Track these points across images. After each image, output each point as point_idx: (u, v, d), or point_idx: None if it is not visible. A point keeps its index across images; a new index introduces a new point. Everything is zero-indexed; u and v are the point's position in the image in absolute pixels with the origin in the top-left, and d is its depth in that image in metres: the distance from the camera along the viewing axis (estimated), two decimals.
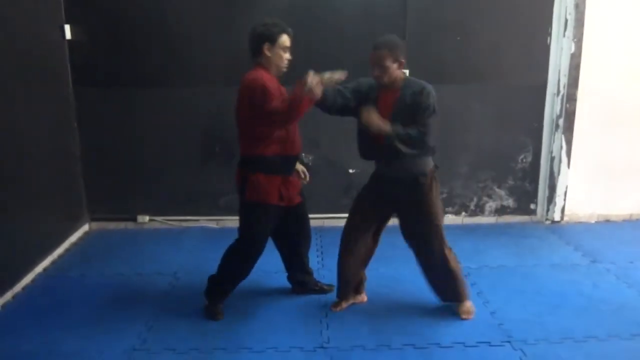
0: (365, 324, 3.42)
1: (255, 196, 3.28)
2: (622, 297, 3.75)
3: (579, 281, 3.99)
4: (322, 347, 3.17)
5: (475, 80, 4.99)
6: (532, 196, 5.30)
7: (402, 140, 3.09)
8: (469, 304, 3.52)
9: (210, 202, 5.10)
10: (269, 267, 3.90)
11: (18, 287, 3.88)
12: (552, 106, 5.09)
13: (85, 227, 5.10)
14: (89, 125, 4.94)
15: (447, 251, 3.40)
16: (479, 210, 5.30)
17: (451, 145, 4.92)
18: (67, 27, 4.71)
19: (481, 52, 4.93)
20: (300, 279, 3.79)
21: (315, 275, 3.87)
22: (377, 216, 3.44)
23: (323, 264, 4.28)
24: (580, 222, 5.26)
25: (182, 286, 3.90)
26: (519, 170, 5.22)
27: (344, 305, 3.60)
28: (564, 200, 5.19)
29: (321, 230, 4.96)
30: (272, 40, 3.24)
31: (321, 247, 4.65)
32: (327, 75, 3.05)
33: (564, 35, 4.90)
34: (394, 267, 4.08)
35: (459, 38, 4.89)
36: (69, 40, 4.75)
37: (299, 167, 3.57)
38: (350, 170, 4.98)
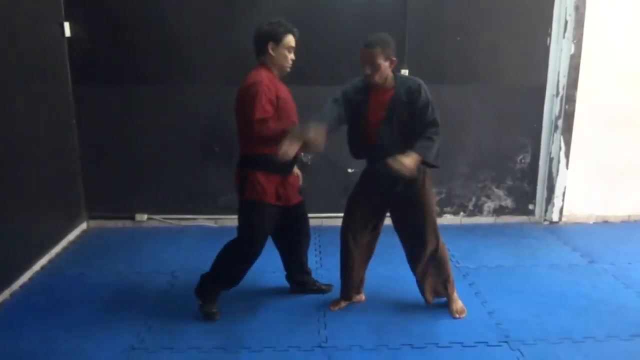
0: (363, 323, 3.42)
1: (253, 195, 3.27)
2: (621, 297, 3.75)
3: (577, 282, 3.99)
4: (320, 346, 3.17)
5: (474, 81, 5.00)
6: (531, 197, 5.31)
7: (435, 155, 3.12)
8: (460, 304, 3.54)
9: (209, 201, 5.10)
10: (267, 267, 3.90)
11: (16, 286, 3.88)
12: (551, 107, 5.10)
13: (84, 226, 5.09)
14: (88, 124, 4.93)
15: (440, 243, 3.42)
16: (478, 210, 5.30)
17: (450, 145, 4.90)
18: (66, 25, 4.70)
19: (481, 53, 4.93)
20: (299, 279, 3.78)
21: (313, 275, 3.87)
22: (374, 213, 3.44)
23: (321, 264, 4.28)
24: (579, 223, 5.27)
25: (181, 285, 3.90)
26: (518, 171, 5.23)
27: (343, 304, 3.61)
28: (563, 201, 5.20)
29: (320, 229, 4.96)
30: (277, 39, 3.23)
31: (319, 246, 4.64)
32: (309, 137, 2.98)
33: (563, 37, 4.90)
34: (392, 267, 4.08)
35: (458, 38, 4.89)
36: (68, 37, 4.75)
37: (295, 169, 3.54)
38: (349, 170, 4.97)
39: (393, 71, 3.21)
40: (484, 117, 5.07)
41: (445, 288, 3.51)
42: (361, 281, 3.63)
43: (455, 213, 5.29)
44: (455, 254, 4.40)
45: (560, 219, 5.25)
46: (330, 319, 3.48)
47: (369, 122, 3.24)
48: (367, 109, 3.23)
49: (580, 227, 5.18)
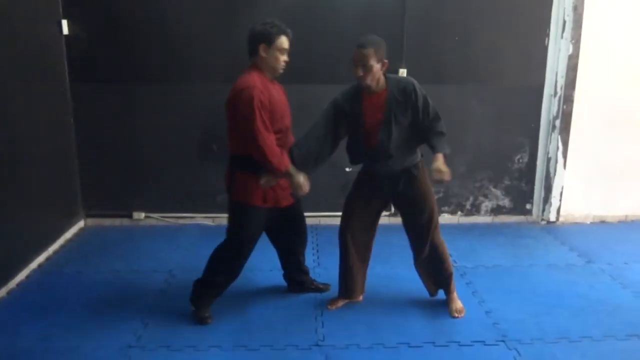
0: (360, 322, 3.42)
1: (240, 197, 3.25)
2: (617, 297, 3.76)
3: (574, 281, 4.00)
4: (317, 345, 3.18)
5: (473, 81, 5.00)
6: (528, 196, 5.31)
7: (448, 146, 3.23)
8: (459, 303, 3.55)
9: (206, 199, 5.09)
10: (264, 265, 3.90)
11: (12, 284, 3.87)
12: (549, 107, 5.10)
13: (81, 224, 5.09)
14: (85, 122, 4.93)
15: (441, 239, 3.46)
16: (475, 210, 5.31)
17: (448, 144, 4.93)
18: (64, 23, 4.69)
19: (479, 53, 4.94)
20: (297, 278, 3.78)
21: (311, 274, 3.87)
22: (372, 213, 3.46)
23: (319, 262, 4.28)
24: (576, 223, 5.27)
25: (178, 283, 3.89)
26: (516, 171, 5.23)
27: (340, 303, 3.61)
28: (560, 200, 5.21)
29: (317, 228, 4.97)
30: (270, 41, 3.16)
31: (317, 245, 4.65)
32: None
33: (561, 37, 4.91)
34: (390, 266, 4.08)
35: (457, 38, 4.89)
36: (66, 36, 4.74)
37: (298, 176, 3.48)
38: (347, 169, 4.97)
39: (384, 74, 3.21)
40: (482, 117, 5.07)
41: (448, 283, 3.52)
42: (363, 282, 3.63)
43: (453, 212, 5.30)
44: (452, 253, 4.36)
45: (557, 218, 5.25)
46: (328, 317, 3.48)
47: (367, 127, 3.23)
48: (363, 114, 3.23)
49: (578, 227, 5.19)
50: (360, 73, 3.09)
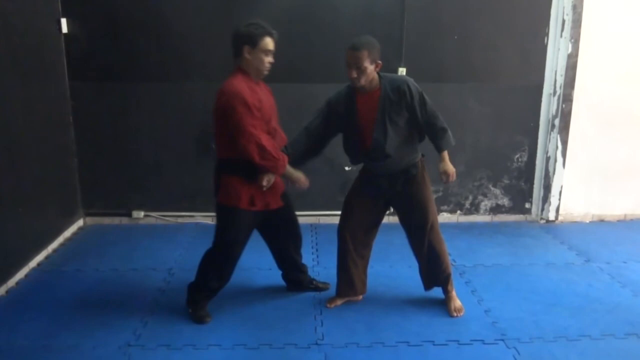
0: (359, 321, 3.42)
1: (226, 200, 3.24)
2: (616, 296, 3.76)
3: (573, 280, 4.00)
4: (316, 343, 3.17)
5: (472, 80, 5.00)
6: (527, 195, 5.32)
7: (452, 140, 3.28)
8: (458, 302, 3.55)
9: (205, 198, 5.07)
10: (264, 264, 3.90)
11: (12, 282, 3.87)
12: (548, 106, 5.10)
13: (80, 222, 5.09)
14: (85, 120, 4.93)
15: (440, 238, 3.46)
16: (474, 209, 5.31)
17: None
18: (63, 21, 4.69)
19: (479, 52, 4.94)
20: (294, 277, 3.77)
21: (310, 272, 3.86)
22: (371, 213, 3.45)
23: (318, 261, 4.28)
24: (575, 222, 5.28)
25: (177, 282, 3.89)
26: (515, 170, 5.23)
27: (339, 302, 3.61)
28: (559, 199, 5.21)
29: (317, 227, 4.98)
30: (254, 43, 3.11)
31: (316, 244, 4.65)
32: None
33: (561, 36, 4.91)
34: (389, 265, 4.08)
35: (456, 37, 4.89)
36: (65, 34, 4.74)
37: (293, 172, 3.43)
38: (346, 168, 4.98)
39: (378, 73, 3.21)
40: (481, 116, 5.07)
41: (446, 283, 3.52)
42: (362, 281, 3.63)
43: (452, 211, 5.30)
44: (451, 252, 4.38)
45: (556, 217, 5.26)
46: (327, 316, 3.48)
47: (361, 126, 3.24)
48: (357, 114, 3.23)
49: (577, 226, 5.20)
50: (354, 75, 3.09)
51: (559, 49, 4.94)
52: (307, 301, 3.67)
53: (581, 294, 3.79)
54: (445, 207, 5.26)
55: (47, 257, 4.37)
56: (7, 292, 3.78)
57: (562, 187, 5.18)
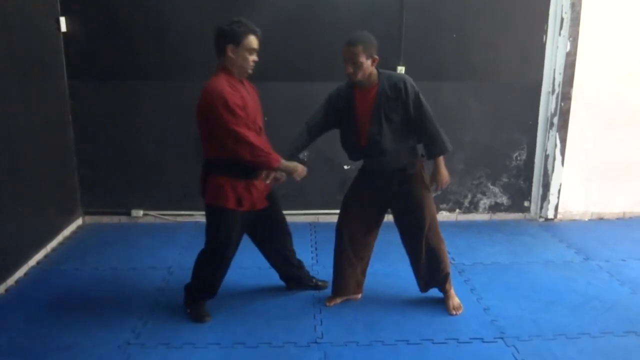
0: (359, 319, 3.42)
1: (214, 200, 3.22)
2: (615, 294, 3.77)
3: (572, 278, 4.01)
4: (315, 342, 3.18)
5: (471, 78, 5.00)
6: (526, 194, 5.32)
7: (447, 141, 3.25)
8: (456, 300, 3.55)
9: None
10: (263, 263, 3.89)
11: (11, 281, 3.87)
12: (547, 104, 5.11)
13: (79, 221, 5.09)
14: (83, 119, 4.92)
15: (439, 239, 3.45)
16: (473, 207, 5.31)
17: None
18: (62, 20, 4.69)
19: (477, 50, 4.94)
20: (292, 274, 3.75)
21: (309, 271, 3.86)
22: (370, 212, 3.45)
23: (317, 260, 4.29)
24: (574, 220, 5.28)
25: (177, 281, 3.89)
26: (514, 168, 5.24)
27: (338, 300, 3.61)
28: (558, 198, 5.22)
29: (316, 226, 4.98)
30: (237, 41, 3.06)
31: (315, 242, 4.65)
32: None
33: (559, 34, 4.91)
34: (388, 264, 4.08)
35: (455, 36, 4.89)
36: (64, 32, 4.73)
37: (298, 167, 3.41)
38: (345, 167, 4.98)
39: (377, 69, 3.21)
40: (480, 114, 5.08)
41: (444, 281, 3.51)
42: (358, 281, 3.62)
43: (451, 210, 5.30)
44: (451, 250, 4.39)
45: (555, 216, 5.26)
46: (326, 315, 3.48)
47: (358, 122, 3.24)
48: (355, 111, 3.24)
49: (576, 224, 5.20)
50: (350, 70, 3.10)
51: (557, 47, 4.94)
52: (307, 300, 3.67)
53: (580, 292, 3.80)
54: (444, 206, 5.27)
55: (46, 256, 4.37)
56: (6, 290, 3.78)
57: (561, 185, 5.18)
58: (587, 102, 5.02)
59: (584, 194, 5.26)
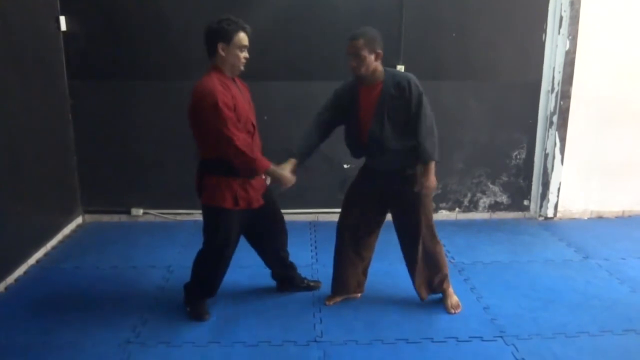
0: (358, 318, 3.43)
1: (211, 201, 3.21)
2: (615, 293, 3.77)
3: (571, 277, 4.01)
4: (315, 341, 3.18)
5: (470, 77, 5.01)
6: (526, 192, 5.32)
7: (436, 151, 3.21)
8: (455, 299, 3.55)
9: None
10: (262, 262, 3.90)
11: (11, 279, 3.88)
12: (546, 103, 5.11)
13: (79, 220, 5.09)
14: (84, 118, 4.93)
15: (436, 241, 3.44)
16: (473, 206, 5.31)
17: (445, 142, 4.91)
18: (62, 19, 4.69)
19: (477, 49, 4.94)
20: (283, 275, 3.73)
21: (309, 270, 3.87)
22: (370, 211, 3.44)
23: (317, 259, 4.29)
24: (574, 219, 5.29)
25: (176, 280, 3.89)
26: (513, 167, 5.24)
27: (338, 299, 3.61)
28: (557, 196, 5.22)
29: (316, 225, 4.98)
30: (227, 39, 3.06)
31: (315, 241, 4.65)
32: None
33: (559, 33, 4.91)
34: (388, 263, 4.08)
35: (454, 35, 4.90)
36: (64, 31, 4.73)
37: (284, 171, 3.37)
38: (345, 166, 4.98)
39: (384, 67, 3.21)
40: (480, 113, 5.08)
41: (441, 284, 3.51)
42: (359, 280, 3.62)
43: (451, 209, 5.30)
44: (450, 249, 4.41)
45: (555, 214, 5.26)
46: (326, 314, 3.48)
47: (361, 118, 3.24)
48: (359, 107, 3.24)
49: (575, 223, 5.20)
50: (353, 63, 3.12)
51: (556, 46, 4.95)
52: (306, 299, 3.67)
53: (580, 290, 3.80)
54: (443, 205, 5.27)
55: (46, 255, 4.37)
56: (6, 289, 3.78)
57: (560, 184, 5.19)
58: (587, 101, 5.02)
59: (584, 192, 5.26)
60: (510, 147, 5.20)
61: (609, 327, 3.32)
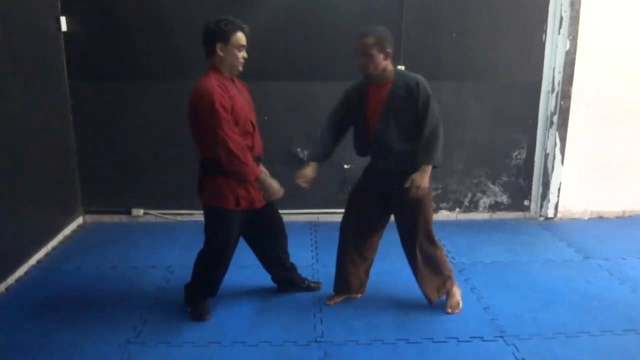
0: (359, 318, 3.43)
1: (212, 201, 3.22)
2: (615, 293, 3.77)
3: (572, 277, 4.01)
4: (316, 341, 3.18)
5: (470, 77, 5.01)
6: (526, 193, 5.32)
7: (438, 155, 3.18)
8: (456, 299, 3.52)
9: None
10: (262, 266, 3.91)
11: (12, 280, 3.88)
12: (546, 103, 5.11)
13: (80, 220, 5.09)
14: (84, 119, 4.93)
15: (435, 245, 3.42)
16: (473, 206, 5.31)
17: (446, 142, 4.88)
18: (63, 19, 4.69)
19: (477, 49, 4.94)
20: (283, 277, 3.73)
21: (309, 270, 3.86)
22: (374, 211, 3.43)
23: (317, 259, 4.29)
24: (574, 219, 5.29)
25: (177, 280, 3.89)
26: (513, 167, 5.24)
27: (339, 299, 3.61)
28: (558, 196, 5.22)
29: (316, 225, 4.98)
30: (225, 39, 3.06)
31: (315, 242, 4.65)
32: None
33: (559, 33, 4.91)
34: (389, 263, 4.08)
35: (454, 35, 4.90)
36: (64, 32, 4.74)
37: (263, 169, 3.42)
38: (345, 166, 4.98)
39: (394, 67, 3.20)
40: (480, 114, 5.08)
41: (444, 285, 3.49)
42: (361, 280, 3.62)
43: (451, 209, 5.30)
44: (450, 249, 4.41)
45: (555, 214, 5.26)
46: (327, 314, 3.48)
47: (368, 117, 3.24)
48: (367, 106, 3.24)
49: (576, 223, 5.20)
50: (361, 62, 3.11)
51: (557, 46, 4.95)
52: (307, 299, 3.68)
53: (580, 290, 3.80)
54: (444, 205, 5.26)
55: (47, 255, 4.38)
56: (6, 289, 3.78)
57: (560, 184, 5.19)
58: (587, 101, 5.02)
59: (584, 192, 5.26)
60: (511, 147, 5.20)
61: (609, 327, 3.32)
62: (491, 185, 5.27)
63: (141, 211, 5.15)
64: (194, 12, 4.73)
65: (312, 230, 4.90)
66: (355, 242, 3.48)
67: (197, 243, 3.44)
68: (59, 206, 4.75)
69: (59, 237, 4.67)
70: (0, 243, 3.77)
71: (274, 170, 3.60)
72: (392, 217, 3.47)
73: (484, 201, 5.30)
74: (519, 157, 5.22)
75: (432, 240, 3.40)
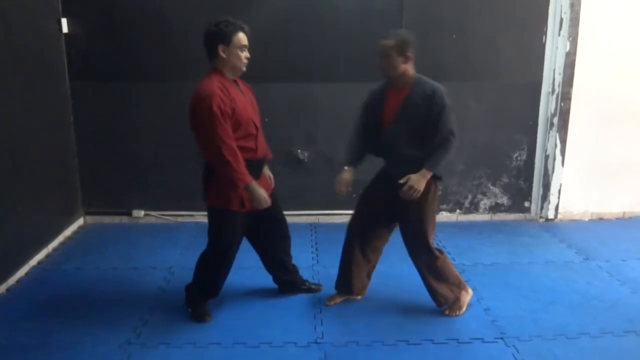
0: (359, 319, 3.43)
1: (216, 202, 3.22)
2: (615, 294, 3.77)
3: (572, 278, 4.01)
4: (316, 342, 3.18)
5: (471, 78, 5.01)
6: (527, 194, 5.32)
7: (442, 165, 3.19)
8: (459, 303, 3.50)
9: None
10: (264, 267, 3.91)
11: (12, 280, 3.88)
12: (546, 104, 5.11)
13: (80, 221, 5.10)
14: (85, 120, 4.93)
15: (435, 255, 3.39)
16: (474, 207, 5.31)
17: None
18: (64, 21, 4.70)
19: (477, 50, 4.94)
20: (285, 279, 3.72)
21: (309, 271, 3.86)
22: (382, 214, 3.42)
23: (318, 260, 4.29)
24: (574, 220, 5.29)
25: (177, 281, 3.89)
26: (514, 168, 5.24)
27: (339, 300, 3.61)
28: (558, 198, 5.22)
29: (316, 226, 4.98)
30: (227, 40, 3.06)
31: (316, 243, 4.65)
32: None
33: (559, 34, 4.92)
34: (389, 264, 4.08)
35: (454, 36, 4.90)
36: (65, 33, 4.74)
37: (267, 171, 3.44)
38: (346, 167, 4.97)
39: (415, 73, 3.20)
40: (480, 115, 5.08)
41: (452, 292, 3.47)
42: (363, 285, 3.62)
43: (452, 210, 5.30)
44: (451, 251, 4.41)
45: (555, 216, 5.26)
46: (327, 315, 3.49)
47: (383, 120, 3.26)
48: (383, 108, 3.26)
49: (576, 224, 5.20)
50: (381, 63, 3.14)
51: (557, 48, 4.95)
52: (307, 300, 3.68)
53: (580, 291, 3.80)
54: (444, 206, 5.26)
55: (47, 256, 4.38)
56: (7, 290, 3.79)
57: (561, 185, 5.19)
58: (587, 102, 5.02)
59: (584, 194, 5.26)
60: (511, 148, 5.20)
61: (609, 328, 3.32)
62: (491, 187, 5.27)
63: (142, 212, 5.15)
64: (194, 13, 4.74)
65: (313, 231, 4.90)
66: (360, 244, 3.48)
67: (198, 244, 3.45)
68: (59, 207, 4.75)
69: (60, 238, 4.67)
70: (0, 244, 3.78)
71: (274, 171, 3.60)
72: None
73: (485, 203, 5.31)
74: (519, 158, 5.22)
75: (428, 252, 3.37)
